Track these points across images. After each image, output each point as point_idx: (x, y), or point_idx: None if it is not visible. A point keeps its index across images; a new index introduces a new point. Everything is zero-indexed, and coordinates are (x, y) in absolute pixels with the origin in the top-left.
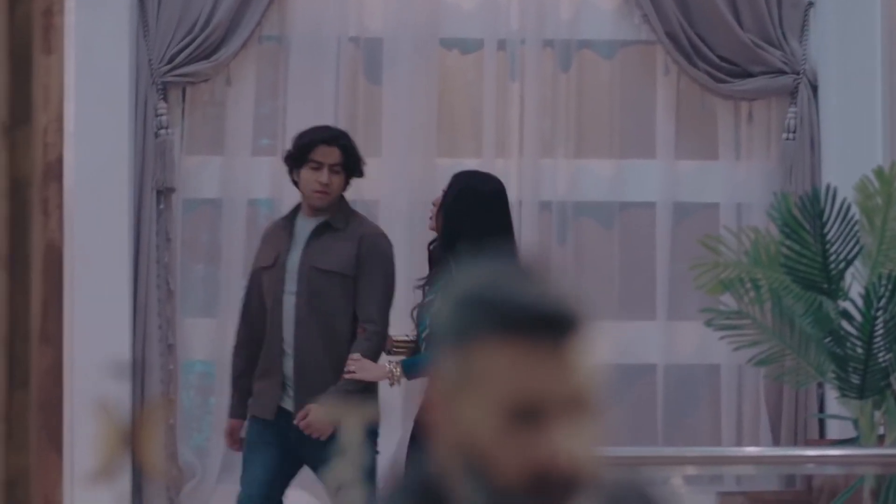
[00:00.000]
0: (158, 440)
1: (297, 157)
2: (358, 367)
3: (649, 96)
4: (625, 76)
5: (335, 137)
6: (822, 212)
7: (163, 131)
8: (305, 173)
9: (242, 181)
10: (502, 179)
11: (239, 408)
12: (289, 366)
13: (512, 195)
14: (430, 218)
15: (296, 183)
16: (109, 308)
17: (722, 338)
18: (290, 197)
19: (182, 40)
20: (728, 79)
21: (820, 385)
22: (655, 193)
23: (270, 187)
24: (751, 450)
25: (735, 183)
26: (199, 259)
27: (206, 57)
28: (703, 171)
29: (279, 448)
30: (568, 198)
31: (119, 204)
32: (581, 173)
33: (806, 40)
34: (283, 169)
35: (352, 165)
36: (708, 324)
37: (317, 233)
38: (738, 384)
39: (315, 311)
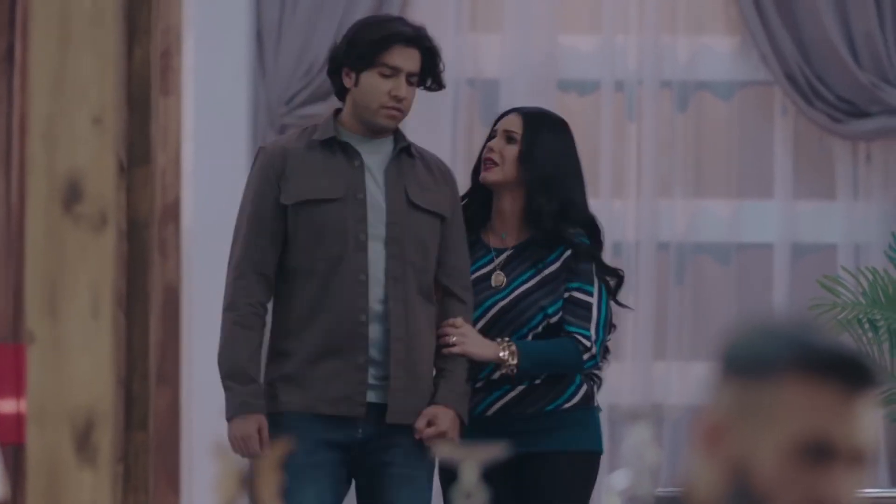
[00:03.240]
0: (276, 482)
1: (364, 57)
2: (461, 337)
3: (767, 136)
4: (742, 117)
5: (418, 37)
6: None
7: None
8: (372, 80)
9: None
10: (619, 220)
11: (256, 400)
12: (376, 340)
13: (629, 236)
14: (488, 166)
15: (341, 90)
16: None
17: None
18: None
19: (300, 81)
20: (846, 119)
21: None
22: (773, 234)
23: None
24: (871, 491)
25: (853, 223)
26: None
27: (325, 98)
28: (820, 211)
29: (342, 467)
30: (685, 238)
31: None
32: (698, 214)
33: None
34: None
35: (428, 75)
36: None
37: (397, 160)
38: None
39: (412, 264)
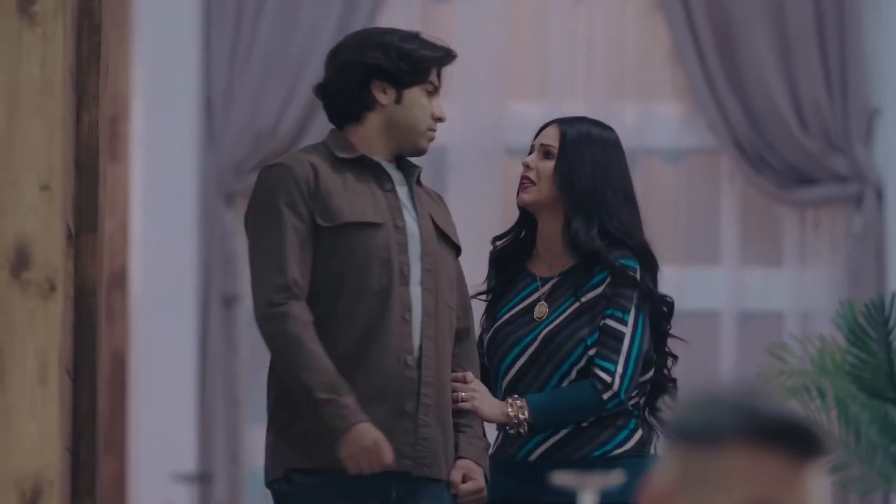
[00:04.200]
0: None
1: (416, 72)
2: (471, 393)
3: (714, 203)
4: (689, 183)
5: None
6: (888, 319)
7: (228, 239)
8: (418, 98)
9: None
10: None
11: (360, 410)
12: (414, 388)
13: None
14: (525, 185)
15: (367, 103)
16: (174, 416)
17: None
18: None
19: (249, 147)
20: (794, 186)
21: (886, 494)
22: (720, 301)
23: None
24: None
25: (800, 290)
26: (264, 366)
27: None
28: (768, 278)
29: None
30: None
31: (184, 311)
32: None
33: (872, 147)
34: None
35: None
36: None
37: (415, 186)
38: None
39: (444, 299)
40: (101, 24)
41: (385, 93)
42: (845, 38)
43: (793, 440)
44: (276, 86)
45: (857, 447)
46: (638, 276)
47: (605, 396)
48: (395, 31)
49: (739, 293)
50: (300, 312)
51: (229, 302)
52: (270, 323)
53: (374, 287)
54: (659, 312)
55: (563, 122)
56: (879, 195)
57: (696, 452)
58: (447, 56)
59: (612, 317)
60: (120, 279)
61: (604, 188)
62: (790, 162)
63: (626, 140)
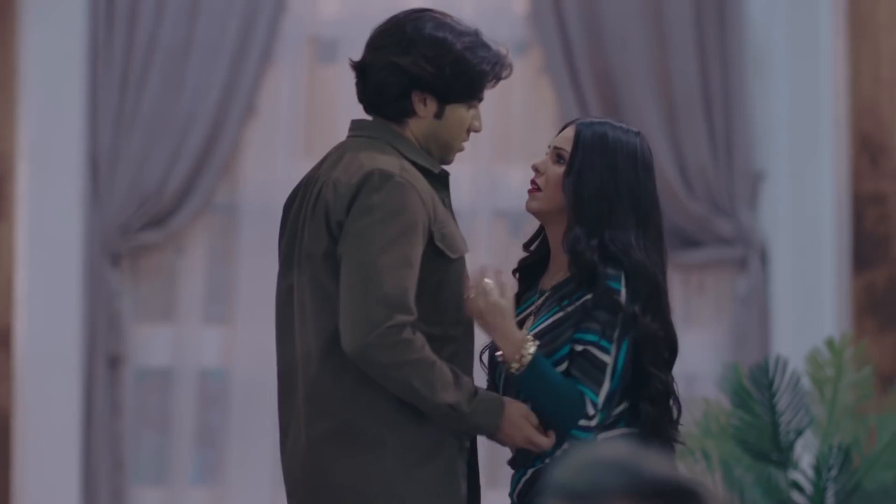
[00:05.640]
0: None
1: (464, 90)
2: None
3: None
4: None
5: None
6: (772, 382)
7: (114, 299)
8: (461, 113)
9: (193, 350)
10: None
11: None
12: None
13: None
14: (532, 191)
15: (405, 110)
16: (58, 477)
17: None
18: (242, 366)
19: (135, 207)
20: (679, 248)
21: None
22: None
23: (221, 357)
24: None
25: (685, 353)
26: (149, 428)
27: (158, 224)
28: None
29: None
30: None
31: (69, 372)
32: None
33: (757, 210)
34: (235, 338)
35: None
36: None
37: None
38: None
39: None
40: None
41: (425, 104)
42: (730, 102)
43: (677, 500)
44: (162, 146)
45: None
46: (623, 297)
47: (581, 423)
48: (453, 30)
49: None
50: (420, 329)
51: (114, 362)
52: (390, 341)
53: (462, 322)
54: (649, 340)
55: (582, 124)
56: (764, 258)
57: None
58: (504, 66)
59: (595, 345)
60: (4, 339)
61: (612, 200)
62: (675, 225)
63: (511, 203)
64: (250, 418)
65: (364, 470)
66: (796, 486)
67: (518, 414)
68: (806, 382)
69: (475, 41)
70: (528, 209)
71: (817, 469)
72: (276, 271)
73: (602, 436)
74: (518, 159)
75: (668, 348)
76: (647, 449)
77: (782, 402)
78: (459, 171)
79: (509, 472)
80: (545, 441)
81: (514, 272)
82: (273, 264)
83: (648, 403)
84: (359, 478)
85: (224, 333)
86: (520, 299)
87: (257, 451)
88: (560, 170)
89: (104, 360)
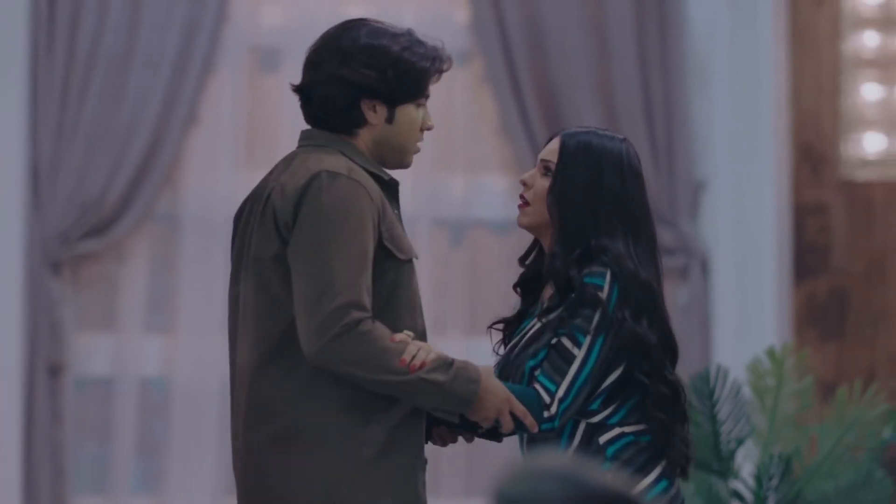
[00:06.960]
0: None
1: (415, 87)
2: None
3: None
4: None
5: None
6: (713, 392)
7: (55, 308)
8: (411, 113)
9: (134, 359)
10: None
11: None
12: None
13: None
14: (521, 206)
15: (356, 120)
16: None
17: None
18: (183, 376)
19: (76, 216)
20: None
21: None
22: None
23: (162, 366)
24: None
25: None
26: (90, 437)
27: (99, 234)
28: None
29: None
30: None
31: (10, 380)
32: (474, 352)
33: (698, 220)
34: (176, 347)
35: None
36: None
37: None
38: None
39: None
40: None
41: (375, 111)
42: (671, 111)
43: None
44: (103, 155)
45: None
46: (605, 294)
47: (544, 415)
48: (387, 34)
49: None
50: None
51: (55, 371)
52: (349, 338)
53: (420, 330)
54: (637, 345)
55: (566, 134)
56: (705, 268)
57: None
58: (444, 60)
59: (568, 335)
60: None
61: (596, 208)
62: None
63: (454, 212)
64: (192, 427)
65: (306, 472)
66: (737, 495)
67: (495, 383)
68: (747, 392)
69: (411, 40)
70: (520, 225)
71: (758, 478)
72: (218, 280)
73: (601, 437)
74: (459, 168)
75: (666, 354)
76: (591, 462)
77: (723, 411)
78: (401, 179)
79: (451, 480)
80: (520, 408)
81: (514, 287)
82: (215, 273)
83: (654, 408)
84: (302, 480)
85: (165, 342)
86: (525, 314)
87: (199, 460)
88: (547, 182)
89: (45, 368)
